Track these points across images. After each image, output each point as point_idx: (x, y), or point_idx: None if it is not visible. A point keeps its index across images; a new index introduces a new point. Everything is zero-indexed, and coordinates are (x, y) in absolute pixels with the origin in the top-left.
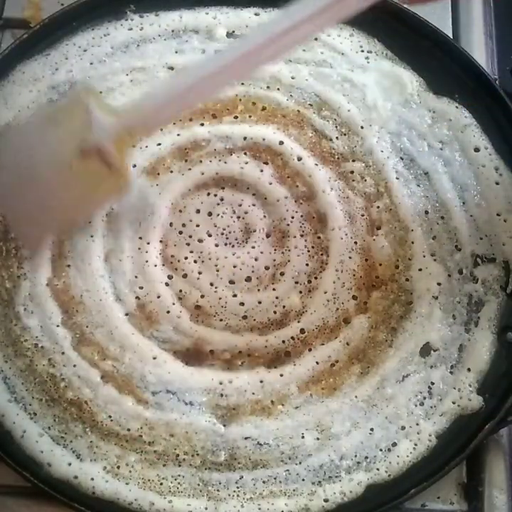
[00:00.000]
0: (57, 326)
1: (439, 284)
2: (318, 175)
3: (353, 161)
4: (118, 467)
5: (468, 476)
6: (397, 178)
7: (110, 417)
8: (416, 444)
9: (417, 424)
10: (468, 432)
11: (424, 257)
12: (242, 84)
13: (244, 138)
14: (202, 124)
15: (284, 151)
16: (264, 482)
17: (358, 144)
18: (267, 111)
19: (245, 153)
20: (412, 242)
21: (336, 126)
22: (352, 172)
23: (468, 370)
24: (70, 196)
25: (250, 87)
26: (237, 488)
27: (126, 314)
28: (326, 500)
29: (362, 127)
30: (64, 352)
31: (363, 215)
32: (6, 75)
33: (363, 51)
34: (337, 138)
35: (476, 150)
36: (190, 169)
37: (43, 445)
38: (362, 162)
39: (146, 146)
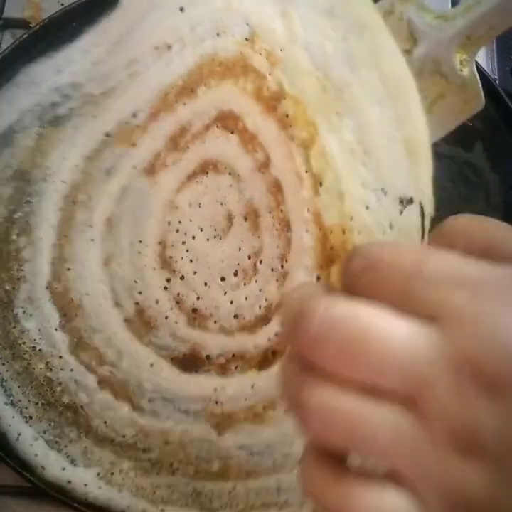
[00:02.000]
0: (56, 329)
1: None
2: (265, 133)
3: (287, 99)
4: (111, 474)
5: None
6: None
7: (105, 422)
8: None
9: None
10: None
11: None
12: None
13: (215, 109)
14: (184, 104)
15: (239, 114)
16: (256, 493)
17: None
18: (223, 66)
19: (217, 126)
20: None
21: (267, 58)
22: (287, 116)
23: None
24: None
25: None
26: (230, 498)
27: (125, 320)
28: None
29: (281, 50)
30: (61, 356)
31: (307, 171)
32: (9, 78)
33: None
34: (269, 74)
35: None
36: (181, 159)
37: (37, 449)
38: (291, 98)
39: (144, 144)
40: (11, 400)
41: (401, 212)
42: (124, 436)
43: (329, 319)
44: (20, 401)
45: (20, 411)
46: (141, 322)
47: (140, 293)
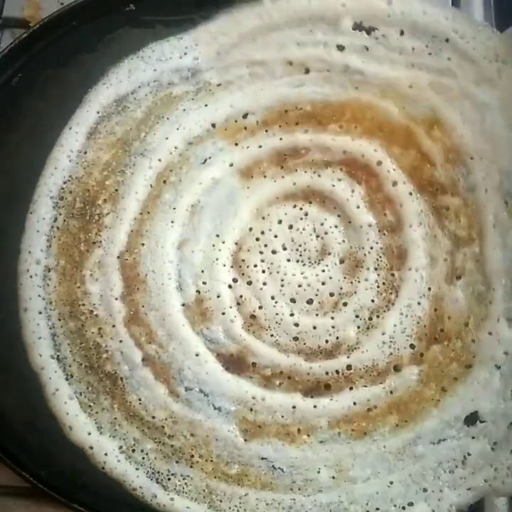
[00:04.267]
0: (116, 299)
1: (506, 353)
2: (410, 206)
3: (452, 195)
4: (133, 450)
5: None
6: (494, 226)
7: (140, 399)
8: (433, 510)
9: (441, 491)
10: None
11: (498, 321)
12: (356, 88)
13: (344, 152)
14: (306, 131)
15: (380, 173)
16: (267, 504)
17: (462, 177)
18: (374, 121)
19: (341, 169)
20: (490, 302)
21: (444, 151)
22: (447, 209)
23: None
24: None
25: (363, 92)
26: (240, 503)
27: (183, 305)
28: None
29: (471, 158)
30: (115, 325)
31: (445, 260)
32: (137, 50)
33: (497, 61)
34: (442, 165)
35: None
36: (283, 177)
37: (70, 408)
38: (461, 198)
39: (248, 147)
40: (58, 355)
41: None
42: (153, 418)
43: None
44: (65, 358)
45: (64, 367)
46: (198, 311)
47: (204, 283)
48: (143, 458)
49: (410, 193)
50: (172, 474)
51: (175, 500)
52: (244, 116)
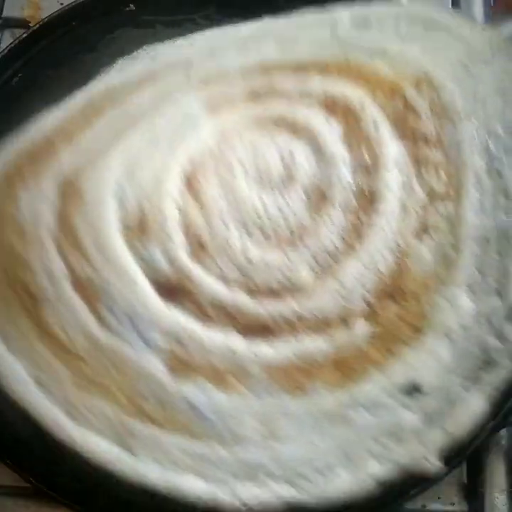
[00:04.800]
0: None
1: (460, 325)
2: (389, 149)
3: (435, 147)
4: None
5: (468, 477)
6: (474, 187)
7: (57, 317)
8: (355, 481)
9: (365, 461)
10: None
11: (459, 288)
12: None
13: (325, 91)
14: (285, 74)
15: (361, 115)
16: (184, 451)
17: (447, 132)
18: (360, 75)
19: (319, 104)
20: (455, 268)
21: (431, 105)
22: (428, 160)
23: (444, 430)
24: None
25: (352, 52)
26: (155, 446)
27: (122, 221)
28: (239, 499)
29: (460, 116)
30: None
31: (417, 213)
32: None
33: (491, 48)
34: (427, 117)
35: None
36: (254, 103)
37: None
38: (443, 153)
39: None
40: None
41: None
42: (73, 343)
43: None
44: None
45: None
46: (138, 230)
47: (149, 199)
48: (53, 382)
49: (391, 138)
50: (84, 406)
51: (83, 433)
52: None
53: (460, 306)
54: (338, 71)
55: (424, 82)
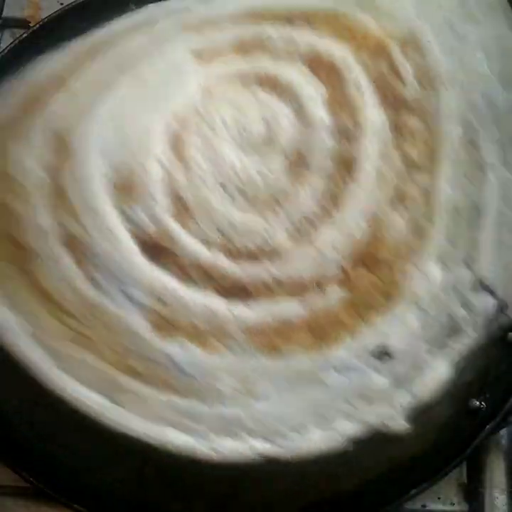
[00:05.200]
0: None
1: (430, 294)
2: (370, 116)
3: (416, 116)
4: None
5: (468, 477)
6: (449, 158)
7: (52, 279)
8: (326, 438)
9: (335, 420)
10: (468, 432)
11: (430, 259)
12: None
13: (310, 46)
14: (272, 24)
15: (346, 75)
16: (167, 405)
17: (428, 99)
18: (347, 29)
19: (304, 63)
20: (428, 238)
21: (415, 70)
22: (407, 128)
23: (410, 392)
24: None
25: (342, 4)
26: (139, 399)
27: (107, 177)
28: (214, 450)
29: (442, 84)
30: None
31: (393, 182)
32: None
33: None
34: (410, 83)
35: None
36: (241, 59)
37: None
38: (424, 122)
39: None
40: None
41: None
42: (64, 299)
43: None
44: None
45: None
46: (123, 187)
47: (133, 155)
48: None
49: (373, 104)
50: (76, 360)
51: (76, 386)
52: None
53: (430, 275)
54: (327, 24)
55: (410, 43)
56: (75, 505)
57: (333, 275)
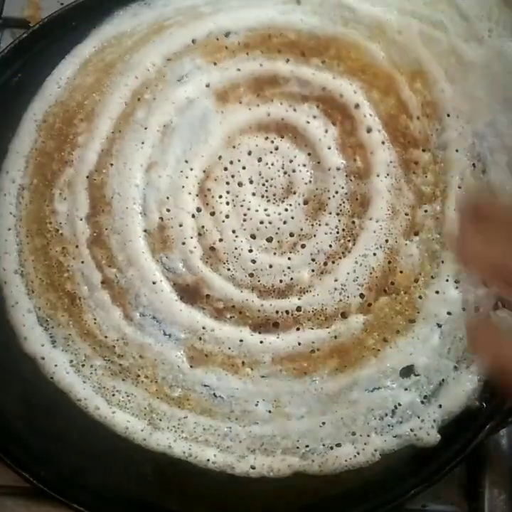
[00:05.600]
0: (81, 219)
1: (449, 313)
2: (380, 155)
3: (423, 150)
4: (82, 365)
5: (468, 477)
6: (459, 187)
7: (95, 319)
8: (358, 453)
9: (368, 436)
10: (468, 432)
11: (447, 281)
12: (345, 25)
13: (323, 88)
14: (287, 61)
15: (356, 116)
16: (204, 429)
17: (435, 133)
18: (358, 62)
19: (318, 106)
20: (443, 262)
21: (422, 105)
22: (416, 163)
23: (440, 406)
24: None
25: (351, 30)
26: (178, 424)
27: (145, 230)
28: (252, 468)
29: (448, 115)
30: (78, 246)
31: (406, 214)
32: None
33: (489, 21)
34: (418, 118)
35: None
36: (258, 106)
37: (27, 320)
38: (431, 154)
39: (227, 69)
40: (22, 271)
41: None
42: (106, 337)
43: None
44: (29, 274)
45: (26, 283)
46: (159, 238)
47: (168, 210)
48: (91, 373)
49: (383, 142)
50: (117, 390)
51: (116, 414)
52: (226, 34)
53: (447, 296)
54: (338, 59)
55: (418, 77)
56: (75, 505)
57: (355, 304)
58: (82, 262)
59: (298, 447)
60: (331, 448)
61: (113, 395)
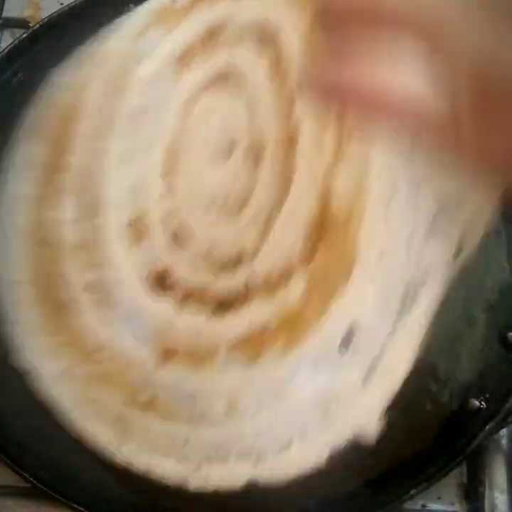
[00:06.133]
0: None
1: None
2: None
3: None
4: (68, 374)
5: (468, 477)
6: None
7: (81, 326)
8: (307, 453)
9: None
10: (468, 432)
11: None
12: None
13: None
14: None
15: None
16: (167, 435)
17: None
18: None
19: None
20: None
21: None
22: None
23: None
24: None
25: None
26: (144, 431)
27: (120, 227)
28: (206, 480)
29: None
30: (62, 251)
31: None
32: None
33: None
34: None
35: None
36: (206, 62)
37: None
38: None
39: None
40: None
41: None
42: (85, 343)
43: None
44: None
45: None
46: (131, 230)
47: (137, 202)
48: (74, 381)
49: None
50: (93, 399)
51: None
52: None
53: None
54: None
55: None
56: (75, 505)
57: (297, 263)
58: (67, 268)
59: (255, 447)
60: (281, 451)
61: (88, 403)
